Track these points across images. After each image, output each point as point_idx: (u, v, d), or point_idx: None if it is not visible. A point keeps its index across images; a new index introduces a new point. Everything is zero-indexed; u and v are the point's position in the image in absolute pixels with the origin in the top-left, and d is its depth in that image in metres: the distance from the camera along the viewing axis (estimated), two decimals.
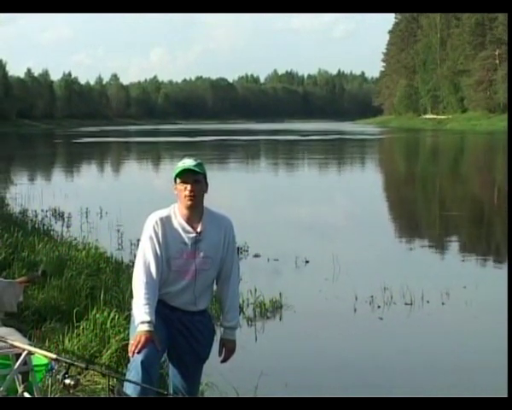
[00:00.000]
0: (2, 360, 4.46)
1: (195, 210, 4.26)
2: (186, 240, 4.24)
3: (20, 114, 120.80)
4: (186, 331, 4.35)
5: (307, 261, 11.71)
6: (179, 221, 4.26)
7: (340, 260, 11.21)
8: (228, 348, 4.43)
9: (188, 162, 4.24)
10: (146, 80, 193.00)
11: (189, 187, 4.20)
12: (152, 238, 4.21)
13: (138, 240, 4.42)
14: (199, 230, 4.25)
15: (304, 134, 75.61)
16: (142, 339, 4.00)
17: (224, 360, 4.47)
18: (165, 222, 4.25)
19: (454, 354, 7.67)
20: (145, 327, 4.02)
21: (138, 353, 4.02)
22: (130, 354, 4.09)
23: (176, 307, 4.32)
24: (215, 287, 4.50)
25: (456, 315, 9.01)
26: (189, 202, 4.22)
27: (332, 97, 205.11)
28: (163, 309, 4.27)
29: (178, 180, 4.24)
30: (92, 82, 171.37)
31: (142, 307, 4.07)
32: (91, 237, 12.43)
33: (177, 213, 4.28)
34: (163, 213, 4.29)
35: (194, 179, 4.22)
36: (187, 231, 4.25)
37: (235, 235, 4.40)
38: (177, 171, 4.23)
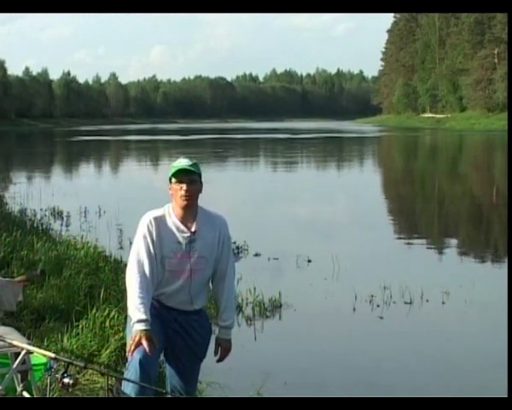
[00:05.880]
0: (0, 359, 4.45)
1: (190, 210, 4.24)
2: (180, 240, 4.23)
3: (18, 113, 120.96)
4: (183, 331, 4.34)
5: (307, 260, 11.69)
6: (174, 221, 4.24)
7: (340, 259, 11.19)
8: (223, 348, 4.43)
9: (183, 162, 4.22)
10: (145, 79, 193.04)
11: (184, 187, 4.18)
12: (146, 237, 4.20)
13: None
14: (193, 229, 4.24)
15: (302, 132, 75.57)
16: (139, 338, 3.97)
17: (219, 360, 4.47)
18: (160, 222, 4.23)
19: (454, 354, 7.65)
20: (141, 326, 3.99)
21: (136, 352, 4.00)
22: (128, 354, 4.07)
23: (172, 307, 4.31)
24: (211, 286, 4.49)
25: (455, 314, 8.99)
26: (185, 202, 4.20)
27: (331, 96, 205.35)
28: (159, 309, 4.26)
29: (174, 180, 4.23)
30: (91, 81, 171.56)
31: (138, 305, 4.04)
32: (90, 236, 12.39)
33: (171, 213, 4.26)
34: (157, 212, 4.28)
35: (190, 179, 4.20)
36: (181, 231, 4.23)
37: (234, 234, 4.39)
38: (173, 171, 4.22)
